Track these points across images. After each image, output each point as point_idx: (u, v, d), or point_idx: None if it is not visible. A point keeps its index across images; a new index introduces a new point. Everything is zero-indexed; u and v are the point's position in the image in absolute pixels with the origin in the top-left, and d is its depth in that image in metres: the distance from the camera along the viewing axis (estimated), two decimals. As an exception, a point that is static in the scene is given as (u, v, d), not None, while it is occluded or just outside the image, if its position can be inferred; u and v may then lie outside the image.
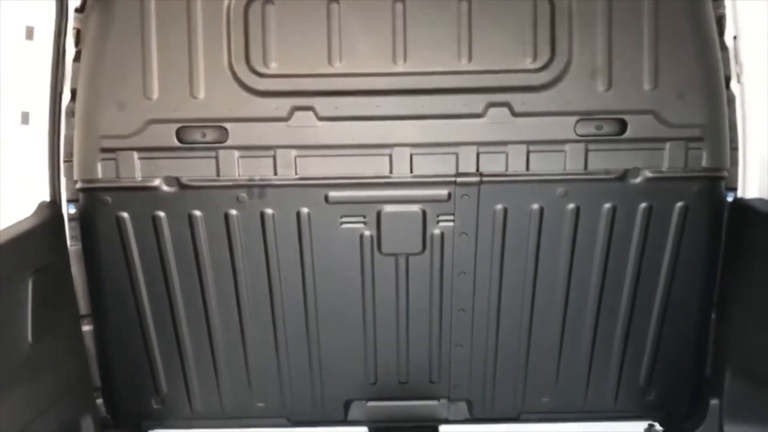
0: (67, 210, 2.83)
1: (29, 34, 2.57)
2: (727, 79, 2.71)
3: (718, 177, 2.70)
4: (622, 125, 2.65)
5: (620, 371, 3.01)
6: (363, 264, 2.81)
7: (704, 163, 2.67)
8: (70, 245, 2.83)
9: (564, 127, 2.64)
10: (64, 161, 2.76)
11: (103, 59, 2.63)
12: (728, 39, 2.71)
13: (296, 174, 2.69)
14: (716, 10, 2.69)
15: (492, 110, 2.65)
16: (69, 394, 2.87)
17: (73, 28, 2.69)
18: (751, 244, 2.71)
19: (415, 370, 3.03)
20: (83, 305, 2.91)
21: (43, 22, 2.60)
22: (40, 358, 2.61)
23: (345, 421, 3.10)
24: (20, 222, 2.60)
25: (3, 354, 2.38)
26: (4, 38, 2.51)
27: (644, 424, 3.10)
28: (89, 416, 3.00)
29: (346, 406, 3.09)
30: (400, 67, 2.64)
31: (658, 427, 3.05)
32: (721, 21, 2.69)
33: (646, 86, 2.65)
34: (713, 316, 2.92)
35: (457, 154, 2.67)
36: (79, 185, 2.71)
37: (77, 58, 2.70)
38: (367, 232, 2.77)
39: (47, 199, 2.75)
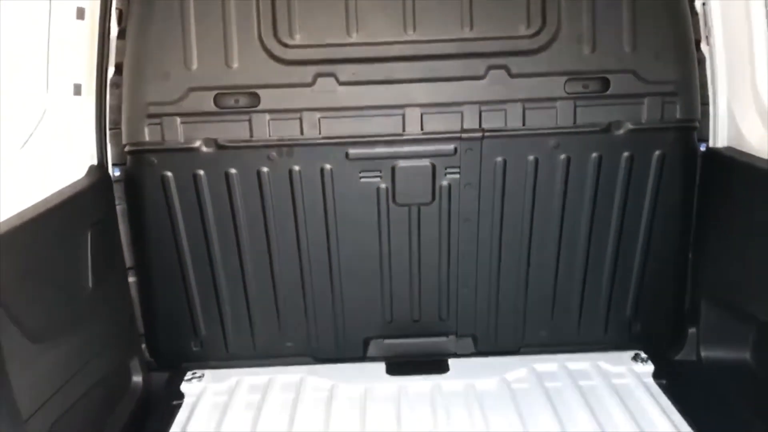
0: (113, 173, 3.18)
1: (80, 14, 2.88)
2: (697, 42, 3.07)
3: (691, 127, 3.07)
4: (606, 83, 3.02)
5: (608, 306, 3.38)
6: (379, 214, 3.17)
7: (678, 115, 3.04)
8: (117, 204, 3.18)
9: (555, 87, 3.00)
10: (110, 129, 3.11)
11: (147, 36, 2.96)
12: (698, 5, 3.07)
13: (320, 134, 3.04)
14: (687, -20, 3.05)
15: (491, 72, 3.01)
16: (119, 338, 3.21)
17: (116, 9, 3.02)
18: (721, 187, 3.08)
19: (426, 309, 3.39)
20: (129, 258, 3.27)
21: (91, 3, 2.92)
22: (98, 303, 2.96)
23: (364, 358, 3.44)
24: (74, 183, 2.92)
25: (71, 295, 2.73)
26: (59, 18, 2.81)
27: (631, 353, 3.46)
28: (136, 359, 3.35)
29: (365, 343, 3.45)
30: (410, 36, 2.99)
31: (643, 354, 3.40)
32: None
33: (626, 49, 3.00)
34: (690, 254, 3.31)
35: (461, 113, 3.02)
36: (127, 148, 3.04)
37: (121, 35, 3.02)
38: (383, 185, 3.13)
39: (95, 163, 3.09)
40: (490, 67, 3.00)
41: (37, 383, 2.33)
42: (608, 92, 3.02)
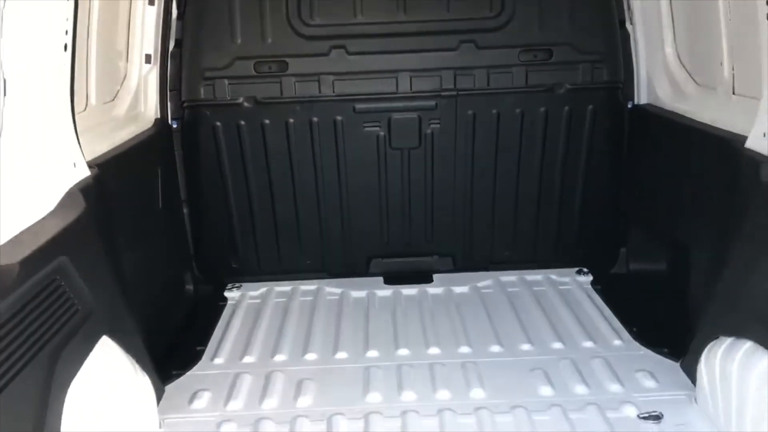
0: (172, 125, 4.07)
1: (151, 1, 3.77)
2: (622, 22, 3.97)
3: (615, 87, 3.97)
4: (550, 53, 3.93)
5: (558, 231, 4.26)
6: (379, 156, 4.08)
7: (605, 77, 3.96)
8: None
9: (511, 56, 3.91)
10: (170, 90, 4.00)
11: (202, 18, 3.87)
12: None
13: (333, 92, 3.95)
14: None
15: (463, 45, 3.92)
16: (176, 255, 4.11)
17: (176, -2, 3.91)
18: (642, 134, 3.97)
19: (415, 233, 4.27)
20: (183, 193, 4.17)
21: (159, -9, 3.81)
22: (164, 221, 3.87)
23: (367, 273, 4.31)
24: (145, 130, 3.79)
25: (148, 210, 3.64)
26: (137, 4, 3.70)
27: (576, 269, 4.26)
28: (189, 273, 4.25)
29: (368, 261, 4.34)
30: (402, 18, 3.90)
31: (585, 269, 4.29)
32: None
33: (566, 27, 3.91)
34: (620, 189, 4.21)
35: (440, 76, 3.93)
36: (186, 104, 3.94)
37: (180, 17, 3.92)
38: (381, 133, 4.04)
39: (158, 116, 3.97)
40: (462, 41, 3.92)
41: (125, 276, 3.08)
42: (552, 60, 3.94)
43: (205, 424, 2.93)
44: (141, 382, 2.76)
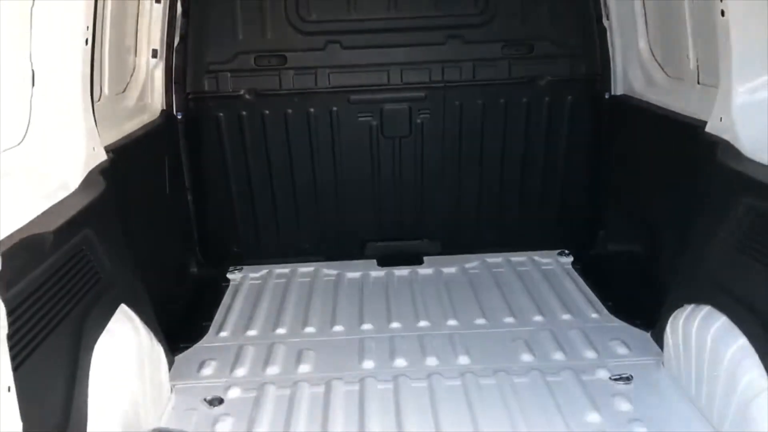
0: (177, 116, 4.31)
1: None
2: (599, 18, 4.25)
3: (592, 79, 4.23)
4: (531, 47, 4.19)
5: (540, 215, 4.54)
6: (371, 144, 4.33)
7: (583, 70, 4.23)
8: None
9: (495, 50, 4.18)
10: (175, 83, 4.25)
11: (206, 15, 4.12)
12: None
13: (329, 85, 4.20)
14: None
15: (450, 40, 4.18)
16: (182, 239, 4.37)
17: (181, -5, 4.16)
18: (619, 122, 4.23)
19: (406, 218, 4.53)
20: (187, 180, 4.41)
21: (165, -10, 4.05)
22: (172, 207, 4.12)
23: (362, 256, 4.55)
24: (152, 121, 4.03)
25: (159, 195, 3.89)
26: (145, 2, 3.94)
27: (558, 251, 4.52)
28: (193, 258, 4.51)
29: (362, 245, 4.58)
30: (393, 14, 4.15)
31: (566, 251, 4.57)
32: None
33: (546, 23, 4.18)
34: (599, 175, 4.48)
35: (429, 69, 4.19)
36: (191, 96, 4.19)
37: (185, 15, 4.16)
38: (374, 122, 4.30)
39: (164, 108, 4.22)
40: (450, 36, 4.18)
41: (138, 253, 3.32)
42: (533, 54, 4.20)
43: (213, 389, 3.18)
44: (155, 349, 3.02)
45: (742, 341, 2.58)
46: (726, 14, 2.78)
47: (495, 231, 4.58)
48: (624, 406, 2.96)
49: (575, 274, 4.33)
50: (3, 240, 1.92)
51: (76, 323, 2.34)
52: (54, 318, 2.18)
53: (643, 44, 4.05)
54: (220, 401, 3.10)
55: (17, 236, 1.94)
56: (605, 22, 4.25)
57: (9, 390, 1.78)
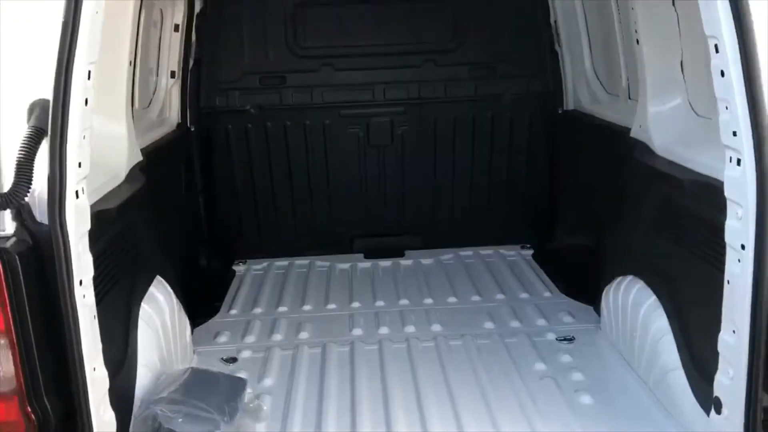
0: (191, 128, 4.98)
1: (176, 28, 4.68)
2: (552, 43, 4.99)
3: (547, 97, 4.96)
4: (494, 69, 4.93)
5: (506, 214, 5.24)
6: (359, 152, 5.01)
7: (539, 88, 4.95)
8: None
9: (463, 71, 4.89)
10: (189, 99, 4.91)
11: (217, 41, 4.81)
12: (552, 21, 4.96)
13: (323, 101, 4.89)
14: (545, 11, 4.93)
15: (426, 63, 4.90)
16: (195, 235, 5.02)
17: (195, 25, 4.85)
18: (569, 133, 4.94)
19: (390, 217, 5.21)
20: (199, 184, 5.08)
21: (182, 20, 4.75)
22: (187, 207, 4.78)
23: (351, 250, 5.22)
24: (171, 132, 4.69)
25: (177, 194, 4.55)
26: (166, 31, 4.62)
27: (521, 245, 5.23)
28: (204, 252, 5.15)
29: (351, 240, 5.24)
30: (378, 41, 4.86)
31: (528, 245, 5.26)
32: (546, 8, 4.90)
33: (506, 48, 4.91)
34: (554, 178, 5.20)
35: (408, 88, 4.90)
36: (204, 110, 4.87)
37: (198, 41, 4.85)
38: (361, 133, 4.99)
39: (180, 121, 4.88)
40: (425, 60, 4.90)
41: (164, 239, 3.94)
42: (495, 75, 4.93)
43: (228, 351, 3.83)
44: (182, 315, 3.66)
45: (653, 299, 3.27)
46: (640, 42, 3.51)
47: (467, 228, 5.25)
48: (565, 358, 3.64)
49: (534, 264, 5.02)
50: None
51: (129, 282, 3.00)
52: (116, 275, 2.83)
53: (588, 67, 4.78)
54: (234, 360, 3.74)
55: (95, 208, 2.59)
56: (557, 48, 4.96)
57: (94, 318, 2.44)
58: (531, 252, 5.19)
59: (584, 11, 4.61)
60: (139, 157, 3.54)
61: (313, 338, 3.97)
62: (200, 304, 4.35)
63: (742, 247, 2.40)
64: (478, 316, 4.17)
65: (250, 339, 3.98)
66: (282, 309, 4.39)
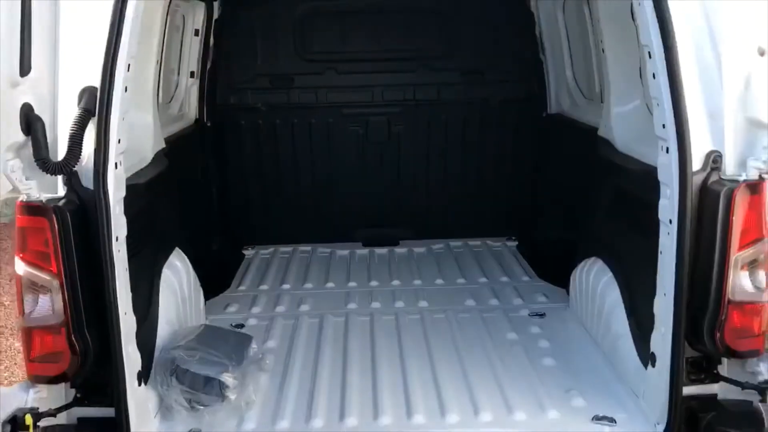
0: (207, 123, 5.48)
1: (196, 33, 5.18)
2: (536, 52, 5.46)
3: (532, 101, 5.42)
4: (483, 75, 5.41)
5: (493, 208, 5.71)
6: (359, 147, 5.50)
7: (525, 93, 5.42)
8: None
9: (455, 76, 5.37)
10: (206, 97, 5.41)
11: (234, 46, 5.31)
12: (537, 32, 5.44)
13: (327, 101, 5.39)
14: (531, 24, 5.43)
15: (420, 68, 5.38)
16: (208, 222, 5.51)
17: (213, 30, 5.37)
18: (553, 134, 5.39)
19: (387, 208, 5.69)
20: (213, 175, 5.56)
21: (202, 25, 5.25)
22: (202, 193, 5.28)
23: (350, 239, 5.69)
24: (189, 126, 5.20)
25: (193, 180, 5.04)
26: (187, 35, 5.12)
27: (506, 237, 5.71)
28: (217, 237, 5.64)
29: (350, 230, 5.72)
30: (377, 48, 5.34)
31: (513, 237, 5.73)
32: (532, 20, 5.39)
33: (494, 55, 5.38)
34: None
35: (404, 90, 5.40)
36: (219, 107, 5.37)
37: (216, 45, 5.37)
38: (361, 131, 5.48)
39: (197, 117, 5.39)
40: (420, 65, 5.38)
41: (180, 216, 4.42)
42: (485, 80, 5.41)
43: (236, 320, 4.31)
44: (197, 285, 4.14)
45: (609, 275, 3.73)
46: (605, 51, 3.99)
47: (457, 221, 5.71)
48: (535, 330, 4.10)
49: (518, 254, 5.49)
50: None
51: (153, 248, 3.49)
52: (143, 240, 3.31)
53: (569, 74, 5.24)
54: (242, 326, 4.22)
55: (128, 182, 3.08)
56: (542, 56, 5.41)
57: (126, 270, 2.93)
58: (515, 243, 5.65)
59: (565, 24, 5.07)
60: (163, 145, 4.03)
61: (313, 310, 4.44)
62: (212, 282, 4.83)
63: (670, 221, 2.86)
64: (461, 295, 4.63)
65: (256, 310, 4.47)
66: (285, 286, 4.87)
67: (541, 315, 4.30)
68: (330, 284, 4.89)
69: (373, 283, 4.88)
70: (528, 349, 3.85)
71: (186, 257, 3.97)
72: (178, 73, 5.06)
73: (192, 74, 5.18)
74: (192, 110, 5.23)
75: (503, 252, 5.51)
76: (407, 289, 4.75)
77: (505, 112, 5.46)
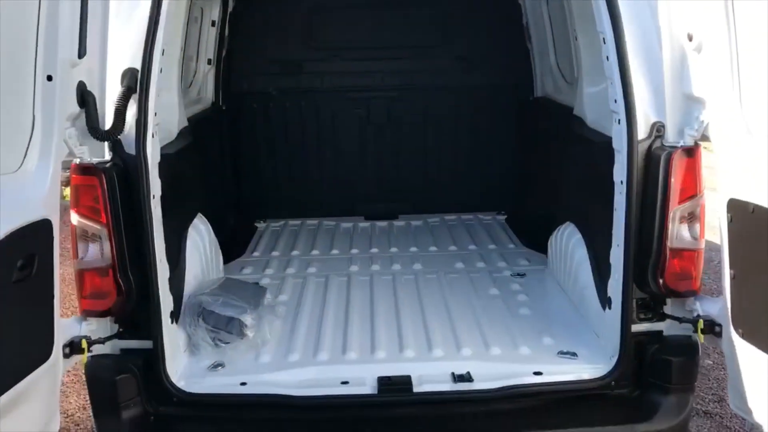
0: (222, 107, 6.02)
1: (213, 23, 5.73)
2: (523, 41, 5.97)
3: (520, 86, 5.91)
4: (474, 62, 5.91)
5: (485, 186, 6.24)
6: (361, 129, 6.04)
7: (513, 79, 5.93)
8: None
9: (448, 63, 5.89)
10: (222, 83, 5.95)
11: (247, 36, 5.84)
12: (524, 22, 5.95)
13: (332, 85, 5.93)
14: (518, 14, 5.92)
15: (417, 56, 5.89)
16: (223, 197, 6.05)
17: (228, 21, 5.89)
18: (539, 115, 5.91)
19: (386, 185, 6.23)
20: (228, 155, 6.11)
21: (219, 17, 5.77)
22: (218, 170, 5.82)
23: (353, 213, 6.21)
24: (206, 109, 5.75)
25: (212, 157, 5.58)
26: (205, 26, 5.66)
27: (496, 212, 6.27)
28: (232, 211, 6.18)
29: (353, 204, 6.24)
30: (378, 37, 5.84)
31: (503, 211, 6.26)
32: (519, 12, 5.89)
33: (484, 44, 5.90)
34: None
35: (402, 76, 5.93)
36: (234, 92, 5.91)
37: (231, 34, 5.89)
38: (363, 114, 6.01)
39: (213, 100, 5.93)
40: (417, 53, 5.91)
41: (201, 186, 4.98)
42: (475, 66, 5.93)
43: (251, 279, 4.85)
44: (217, 248, 4.68)
45: (578, 236, 4.25)
46: (578, 39, 4.50)
47: (451, 197, 6.24)
48: (515, 287, 4.63)
49: (506, 226, 6.00)
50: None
51: (180, 210, 4.02)
52: (172, 201, 3.84)
53: (553, 61, 5.72)
54: (257, 284, 4.76)
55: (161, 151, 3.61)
56: (528, 44, 5.93)
57: (161, 224, 3.46)
58: (505, 217, 6.17)
59: (549, 14, 5.57)
60: (186, 123, 4.57)
61: (319, 272, 4.98)
62: (228, 251, 5.37)
63: (621, 182, 3.38)
64: (451, 260, 5.16)
65: (269, 271, 5.01)
66: (295, 252, 5.41)
67: (522, 275, 4.82)
68: (335, 251, 5.42)
69: (374, 250, 5.41)
70: (507, 302, 4.37)
71: (207, 222, 4.51)
72: (197, 61, 5.58)
73: (209, 62, 5.69)
74: (209, 94, 5.74)
75: (493, 224, 6.03)
76: (404, 255, 5.28)
77: (495, 96, 5.97)
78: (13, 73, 2.72)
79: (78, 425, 4.84)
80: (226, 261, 5.04)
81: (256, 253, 5.41)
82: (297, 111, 5.95)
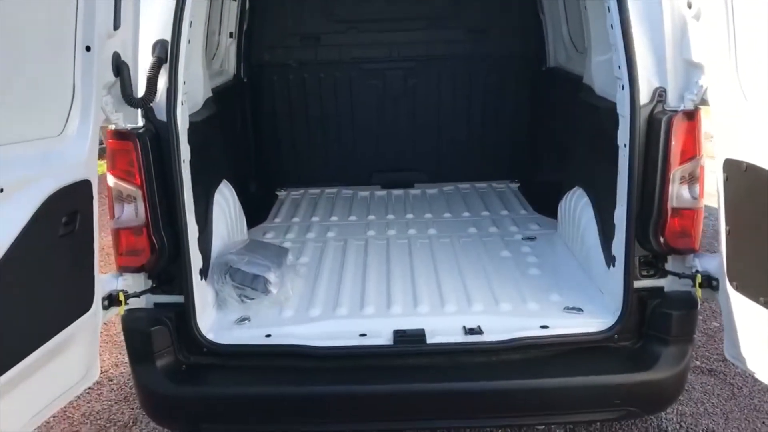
0: (243, 79, 6.23)
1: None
2: (536, 12, 6.10)
3: (533, 56, 6.07)
4: (487, 32, 6.07)
5: (497, 154, 6.42)
6: (378, 99, 6.22)
7: (526, 49, 6.07)
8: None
9: (462, 34, 6.03)
10: (243, 55, 6.15)
11: (267, 9, 6.02)
12: (537, -4, 6.10)
13: (349, 57, 6.11)
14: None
15: (431, 27, 6.03)
16: (246, 166, 6.29)
17: (248, -2, 6.08)
18: (551, 85, 6.06)
19: (402, 155, 6.43)
20: (249, 126, 6.33)
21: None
22: (241, 140, 6.05)
23: (370, 182, 6.44)
24: (228, 81, 5.96)
25: (234, 127, 5.81)
26: (225, 2, 5.86)
27: (509, 180, 6.45)
28: (254, 179, 6.41)
29: (370, 174, 6.44)
30: (393, 9, 5.99)
31: (516, 180, 6.44)
32: None
33: (498, 15, 6.04)
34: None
35: (417, 47, 6.09)
36: (254, 65, 6.12)
37: (251, 8, 6.08)
38: (379, 85, 6.19)
39: (235, 72, 6.13)
40: (430, 25, 6.07)
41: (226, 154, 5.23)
42: (488, 37, 6.08)
43: (274, 241, 5.10)
44: (241, 214, 4.92)
45: (585, 199, 4.43)
46: (587, 7, 4.64)
47: (466, 165, 6.43)
48: (525, 249, 4.83)
49: (519, 194, 6.19)
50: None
51: (207, 175, 4.25)
52: (200, 166, 4.06)
53: (565, 31, 5.86)
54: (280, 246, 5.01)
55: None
56: (541, 16, 6.06)
57: (190, 186, 3.70)
58: (518, 185, 6.36)
59: (561, -15, 5.70)
60: (210, 94, 4.79)
61: (338, 236, 5.21)
62: (250, 217, 5.61)
63: (625, 145, 3.55)
64: (465, 225, 5.37)
65: (290, 236, 5.25)
66: (314, 219, 5.64)
67: (533, 239, 5.02)
68: (353, 217, 5.65)
69: (390, 216, 5.63)
70: (518, 263, 4.58)
71: (232, 188, 4.75)
72: (219, 34, 5.77)
73: (231, 35, 5.88)
74: (231, 67, 5.94)
75: (506, 192, 6.22)
76: (419, 221, 5.50)
77: (508, 66, 6.12)
78: (55, 45, 2.95)
79: (111, 380, 5.15)
80: (250, 226, 5.27)
81: (277, 219, 5.65)
82: (316, 83, 6.14)
